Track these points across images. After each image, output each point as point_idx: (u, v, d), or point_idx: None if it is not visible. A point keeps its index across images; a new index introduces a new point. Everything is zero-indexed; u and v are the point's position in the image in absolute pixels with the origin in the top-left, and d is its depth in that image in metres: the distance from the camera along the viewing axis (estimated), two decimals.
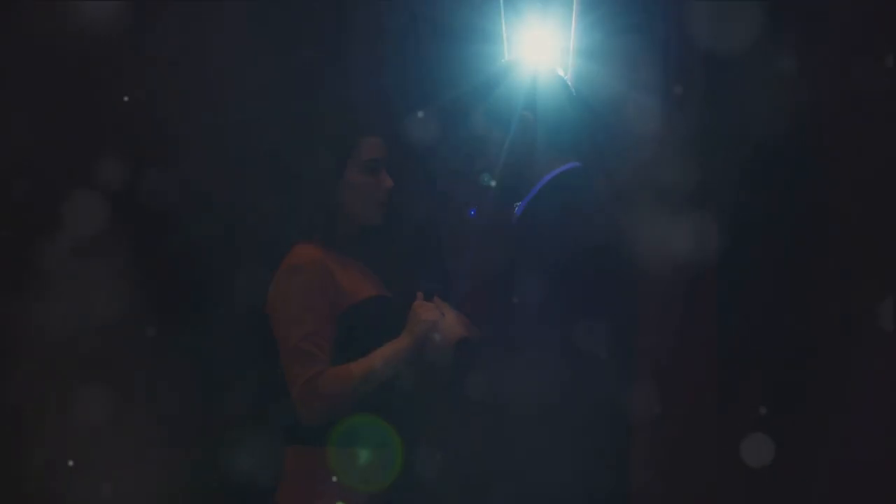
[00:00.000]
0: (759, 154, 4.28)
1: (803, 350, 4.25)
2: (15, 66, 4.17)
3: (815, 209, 4.26)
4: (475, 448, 3.24)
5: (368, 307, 3.38)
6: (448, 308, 3.34)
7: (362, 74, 4.17)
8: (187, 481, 4.21)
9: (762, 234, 4.26)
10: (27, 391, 4.19)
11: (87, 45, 4.18)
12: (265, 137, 4.00)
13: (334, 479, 3.31)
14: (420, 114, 3.73)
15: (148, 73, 4.22)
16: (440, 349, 3.26)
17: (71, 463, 4.15)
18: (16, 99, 4.16)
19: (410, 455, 3.44)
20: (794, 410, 4.25)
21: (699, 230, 4.18)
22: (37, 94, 4.18)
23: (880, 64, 4.12)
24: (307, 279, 3.31)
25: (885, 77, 4.13)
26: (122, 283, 4.22)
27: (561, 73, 3.32)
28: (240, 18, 4.25)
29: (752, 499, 4.26)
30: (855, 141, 4.21)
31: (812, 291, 4.26)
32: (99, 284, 4.20)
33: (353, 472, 3.33)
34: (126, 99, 4.18)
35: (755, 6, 4.21)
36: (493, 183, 3.31)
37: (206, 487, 4.20)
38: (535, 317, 3.03)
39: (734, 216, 4.22)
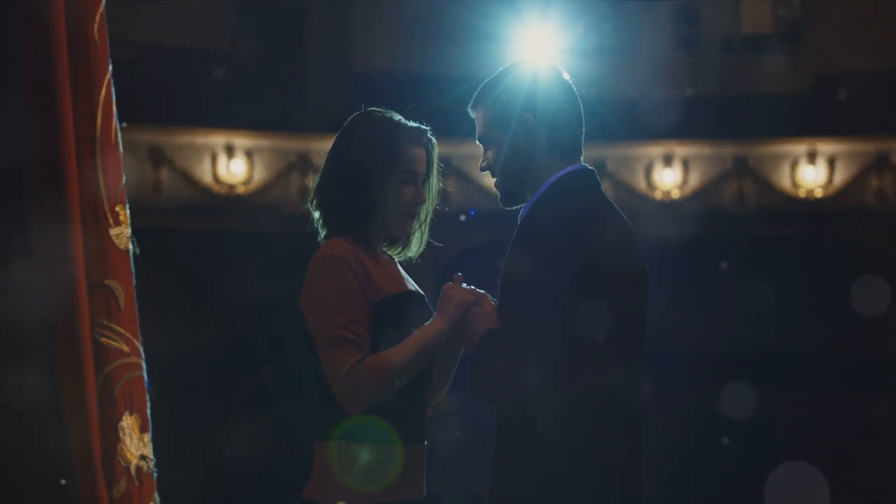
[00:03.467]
0: None
1: None
2: None
3: None
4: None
5: (400, 301, 3.35)
6: (486, 296, 3.30)
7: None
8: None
9: None
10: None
11: None
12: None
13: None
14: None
15: None
16: (469, 335, 3.23)
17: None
18: None
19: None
20: None
21: None
22: None
23: None
24: (345, 269, 3.29)
25: None
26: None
27: (565, 73, 3.30)
28: None
29: None
30: None
31: None
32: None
33: (354, 471, 3.32)
34: None
35: None
36: (496, 185, 3.30)
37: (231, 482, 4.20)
38: (540, 319, 3.02)
39: None
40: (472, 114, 3.31)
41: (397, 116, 3.47)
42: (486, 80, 3.28)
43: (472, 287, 3.31)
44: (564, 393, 3.02)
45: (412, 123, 3.45)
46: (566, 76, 3.28)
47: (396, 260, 3.54)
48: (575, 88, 3.28)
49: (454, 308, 3.27)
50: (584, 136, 3.28)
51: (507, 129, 3.23)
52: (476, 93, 3.29)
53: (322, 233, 3.47)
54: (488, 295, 3.29)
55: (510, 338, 3.08)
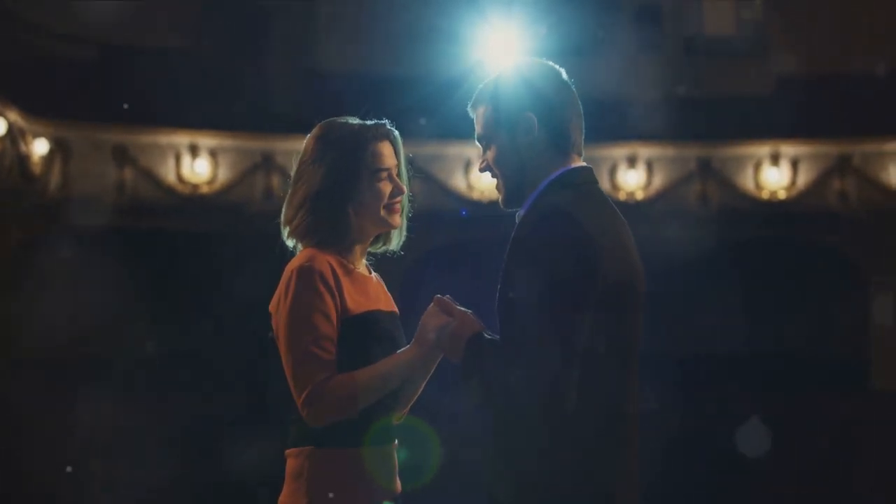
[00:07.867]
0: None
1: None
2: None
3: None
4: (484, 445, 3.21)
5: (368, 320, 3.32)
6: (457, 308, 3.28)
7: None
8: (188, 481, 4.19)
9: None
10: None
11: None
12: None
13: (359, 478, 3.29)
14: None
15: None
16: (451, 351, 3.20)
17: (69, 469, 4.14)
18: None
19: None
20: None
21: None
22: None
23: None
24: (318, 282, 3.25)
25: None
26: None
27: (563, 73, 3.28)
28: None
29: None
30: None
31: None
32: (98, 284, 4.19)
33: (387, 472, 3.32)
34: None
35: None
36: (496, 183, 3.28)
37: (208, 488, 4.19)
38: (532, 318, 3.00)
39: None
40: (472, 113, 3.29)
41: (354, 120, 3.44)
42: (486, 80, 3.27)
43: (454, 305, 3.28)
44: (560, 397, 3.00)
45: (371, 122, 3.43)
46: (564, 75, 3.28)
47: (378, 260, 3.51)
48: (574, 87, 3.27)
49: (430, 336, 3.25)
50: (584, 134, 3.27)
51: (508, 128, 3.21)
52: (476, 92, 3.28)
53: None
54: (468, 312, 3.26)
55: (505, 340, 3.07)
